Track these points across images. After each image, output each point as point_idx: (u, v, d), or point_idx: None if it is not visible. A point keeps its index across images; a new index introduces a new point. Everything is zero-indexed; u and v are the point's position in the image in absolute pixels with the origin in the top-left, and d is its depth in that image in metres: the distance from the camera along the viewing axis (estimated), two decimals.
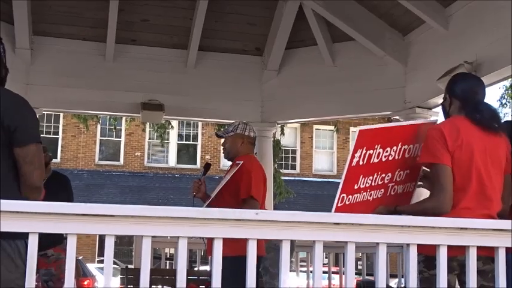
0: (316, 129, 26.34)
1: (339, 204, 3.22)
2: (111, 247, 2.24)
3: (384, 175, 3.39)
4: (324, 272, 7.13)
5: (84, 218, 2.16)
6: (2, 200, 2.11)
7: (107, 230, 2.20)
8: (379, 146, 3.31)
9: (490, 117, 3.29)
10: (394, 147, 3.38)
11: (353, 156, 3.21)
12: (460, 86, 3.40)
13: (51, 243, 5.40)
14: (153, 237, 2.28)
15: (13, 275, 2.58)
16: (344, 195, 3.25)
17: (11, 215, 2.11)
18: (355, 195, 3.30)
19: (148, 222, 2.21)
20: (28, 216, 2.12)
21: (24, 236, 2.13)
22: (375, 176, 3.35)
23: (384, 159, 3.34)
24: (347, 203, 3.27)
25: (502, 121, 3.51)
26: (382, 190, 3.42)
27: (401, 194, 3.51)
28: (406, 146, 3.42)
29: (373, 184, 3.36)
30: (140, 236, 2.25)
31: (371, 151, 3.28)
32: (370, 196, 3.38)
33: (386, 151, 3.35)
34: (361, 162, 3.26)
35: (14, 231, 2.17)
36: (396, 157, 3.39)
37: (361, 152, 3.24)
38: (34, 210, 2.13)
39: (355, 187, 3.29)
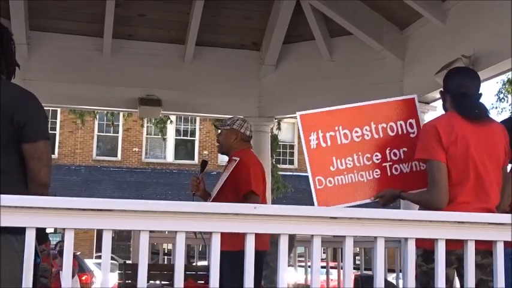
0: None
1: (318, 187, 3.31)
2: (109, 241, 2.24)
3: (369, 155, 3.47)
4: (322, 267, 7.13)
5: (82, 212, 2.15)
6: (2, 195, 2.11)
7: (105, 225, 2.19)
8: (340, 127, 3.43)
9: (471, 107, 3.28)
10: (367, 127, 3.48)
11: (307, 140, 3.36)
12: (448, 81, 3.43)
13: (43, 239, 5.51)
14: (151, 232, 2.27)
15: (19, 270, 2.56)
16: (320, 177, 3.37)
17: (9, 209, 2.10)
18: (338, 177, 3.40)
19: (146, 217, 2.20)
20: (26, 211, 2.12)
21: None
22: (355, 156, 3.44)
23: (357, 139, 3.45)
24: (329, 185, 3.37)
25: (505, 118, 3.53)
26: (378, 171, 3.47)
27: (411, 174, 3.54)
28: (384, 125, 3.52)
29: (357, 164, 3.44)
30: (138, 230, 2.25)
31: (332, 133, 3.42)
32: (362, 177, 3.45)
33: (356, 131, 3.46)
34: (323, 144, 3.40)
35: (12, 226, 2.16)
36: (376, 136, 3.49)
37: (317, 134, 3.38)
38: (32, 205, 2.13)
39: (332, 169, 3.39)
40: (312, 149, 3.35)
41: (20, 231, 2.50)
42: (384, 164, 3.48)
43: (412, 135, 3.49)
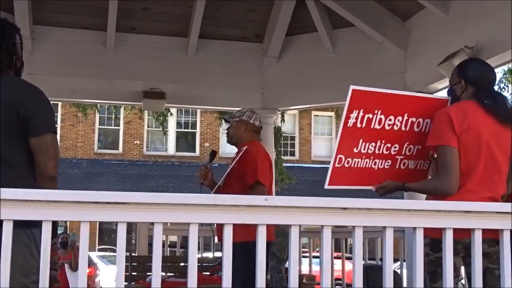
0: (314, 115, 26.36)
1: (337, 165, 3.28)
2: (124, 234, 2.28)
3: (389, 145, 3.42)
4: None
5: (97, 205, 2.19)
6: (17, 189, 2.15)
7: (120, 217, 2.23)
8: (380, 111, 3.35)
9: (502, 107, 3.31)
10: (400, 117, 3.41)
11: (348, 117, 3.27)
12: (476, 72, 3.42)
13: (54, 233, 5.59)
14: (153, 224, 2.30)
15: (29, 263, 2.62)
16: (342, 156, 3.30)
17: (26, 203, 2.14)
18: (356, 159, 3.35)
19: (160, 209, 2.24)
20: (42, 205, 2.15)
21: (40, 225, 2.16)
22: (378, 143, 3.39)
23: (387, 127, 3.39)
24: (346, 165, 3.32)
25: None
26: (390, 161, 3.46)
27: (414, 171, 3.54)
28: (413, 119, 3.45)
29: (376, 152, 3.40)
30: (148, 222, 2.29)
31: (370, 115, 3.33)
32: (375, 165, 3.41)
33: (390, 119, 3.39)
34: (359, 125, 3.31)
35: (28, 219, 2.20)
36: (403, 128, 3.43)
37: (358, 113, 3.28)
38: (48, 199, 2.17)
39: (355, 150, 3.33)
40: (348, 127, 3.28)
41: (28, 225, 2.55)
42: (397, 157, 3.46)
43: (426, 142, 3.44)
